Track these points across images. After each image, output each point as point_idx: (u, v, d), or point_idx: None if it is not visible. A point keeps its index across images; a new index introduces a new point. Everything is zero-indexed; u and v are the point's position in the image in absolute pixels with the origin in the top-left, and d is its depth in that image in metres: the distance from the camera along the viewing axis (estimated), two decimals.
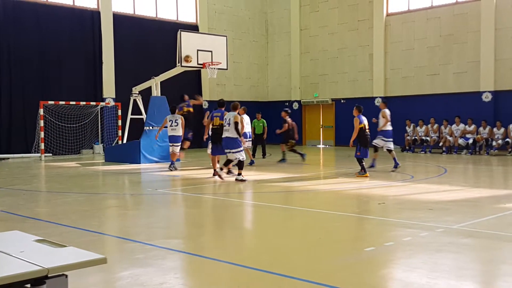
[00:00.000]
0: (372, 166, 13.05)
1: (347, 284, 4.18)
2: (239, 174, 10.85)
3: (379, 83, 22.56)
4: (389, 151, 13.03)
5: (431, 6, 21.22)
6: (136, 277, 4.36)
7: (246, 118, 14.85)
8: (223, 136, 10.87)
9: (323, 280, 4.26)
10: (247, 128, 14.88)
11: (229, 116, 10.87)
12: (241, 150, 10.86)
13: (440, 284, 4.13)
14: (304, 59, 25.40)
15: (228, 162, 11.11)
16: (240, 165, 10.86)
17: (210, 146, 12.34)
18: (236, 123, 10.73)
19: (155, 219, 7.23)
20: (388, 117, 13.09)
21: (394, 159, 12.85)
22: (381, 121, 13.16)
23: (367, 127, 11.78)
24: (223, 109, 11.83)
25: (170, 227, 6.93)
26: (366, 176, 11.42)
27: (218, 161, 11.91)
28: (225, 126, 10.87)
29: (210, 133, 12.08)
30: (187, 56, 14.27)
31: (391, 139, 13.08)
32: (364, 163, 11.67)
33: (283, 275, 4.39)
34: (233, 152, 10.81)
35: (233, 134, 10.73)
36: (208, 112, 14.27)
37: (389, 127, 13.08)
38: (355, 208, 8.11)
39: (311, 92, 25.16)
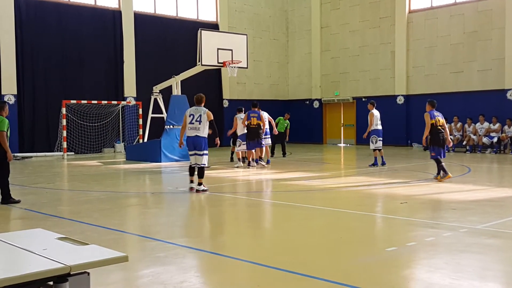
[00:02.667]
0: (382, 164, 13.66)
1: (369, 284, 4.14)
2: (200, 184, 9.24)
3: (401, 81, 22.28)
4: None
5: (454, 2, 20.85)
6: (157, 275, 4.39)
7: (265, 114, 14.79)
8: (190, 134, 9.22)
9: (344, 280, 4.22)
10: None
11: (200, 112, 9.22)
12: (207, 154, 9.29)
13: (464, 285, 4.06)
14: (324, 57, 25.24)
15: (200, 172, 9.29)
16: (201, 172, 9.21)
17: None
18: (211, 122, 9.20)
19: (176, 217, 7.27)
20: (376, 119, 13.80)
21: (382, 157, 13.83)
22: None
23: (439, 123, 10.79)
24: (256, 109, 13.84)
25: (191, 226, 6.97)
26: (449, 177, 10.39)
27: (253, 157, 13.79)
28: (193, 123, 9.17)
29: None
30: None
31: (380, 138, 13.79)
32: (443, 164, 10.49)
33: (304, 275, 4.37)
34: (199, 155, 9.16)
35: (204, 134, 9.19)
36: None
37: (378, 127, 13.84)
38: (377, 208, 8.02)
39: (332, 91, 24.99)
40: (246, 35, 16.74)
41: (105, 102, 19.68)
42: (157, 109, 18.28)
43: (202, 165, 9.19)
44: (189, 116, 9.24)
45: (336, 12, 24.60)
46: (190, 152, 9.31)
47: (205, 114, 9.18)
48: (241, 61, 15.48)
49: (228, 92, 24.34)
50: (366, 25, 23.45)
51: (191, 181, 9.36)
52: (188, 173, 9.55)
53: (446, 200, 8.24)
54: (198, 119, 9.14)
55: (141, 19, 21.49)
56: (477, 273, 4.38)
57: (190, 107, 9.64)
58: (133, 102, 20.57)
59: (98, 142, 19.98)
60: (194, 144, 9.16)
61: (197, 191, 9.20)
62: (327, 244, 5.66)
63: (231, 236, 6.30)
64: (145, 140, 18.09)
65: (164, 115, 17.49)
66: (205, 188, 9.29)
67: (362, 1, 23.53)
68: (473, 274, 4.36)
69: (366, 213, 7.38)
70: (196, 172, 9.27)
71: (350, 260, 4.92)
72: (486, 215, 6.94)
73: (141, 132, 19.36)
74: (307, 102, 25.81)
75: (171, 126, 15.93)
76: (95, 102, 19.23)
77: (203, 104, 9.38)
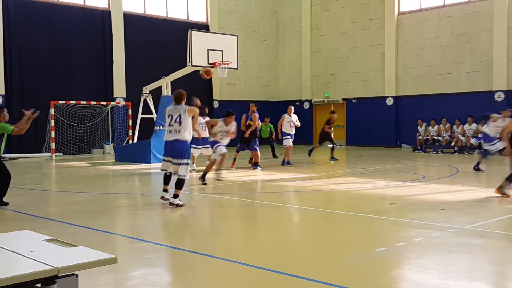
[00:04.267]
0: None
1: (358, 285, 4.15)
2: (176, 196, 7.78)
3: (391, 83, 22.42)
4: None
5: (443, 4, 21.02)
6: (146, 277, 4.37)
7: (294, 117, 14.76)
8: (169, 138, 7.84)
9: (333, 280, 4.23)
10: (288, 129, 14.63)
11: (179, 111, 7.78)
12: (187, 164, 7.84)
13: (452, 285, 4.09)
14: (315, 58, 25.31)
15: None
16: (180, 183, 7.81)
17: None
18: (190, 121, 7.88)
19: (166, 219, 7.23)
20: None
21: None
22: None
23: None
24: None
25: (181, 227, 6.95)
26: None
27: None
28: (172, 125, 7.76)
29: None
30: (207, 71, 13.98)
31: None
32: None
33: (294, 275, 4.37)
34: (176, 164, 7.78)
35: (185, 137, 7.80)
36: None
37: None
38: (366, 208, 8.05)
39: (322, 92, 25.07)
40: (237, 36, 16.73)
41: (94, 102, 19.55)
42: (147, 110, 18.20)
43: (182, 176, 7.81)
44: (168, 117, 7.87)
45: (327, 13, 24.69)
46: (165, 158, 7.97)
47: (185, 112, 7.74)
48: (231, 62, 15.46)
49: (218, 93, 24.31)
50: (356, 26, 23.56)
51: (165, 190, 8.03)
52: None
53: (435, 200, 8.30)
54: (178, 120, 7.71)
55: (130, 19, 21.39)
56: (465, 273, 4.42)
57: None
58: (123, 102, 20.47)
59: (87, 143, 19.84)
60: (172, 150, 7.81)
61: (171, 203, 7.75)
62: (317, 245, 5.68)
63: (222, 237, 6.28)
64: (135, 141, 18.00)
65: (154, 116, 17.43)
66: (181, 203, 7.78)
67: (352, 3, 23.64)
68: (461, 274, 4.39)
69: (355, 214, 7.40)
70: (174, 182, 7.92)
71: (340, 261, 4.93)
72: (474, 216, 7.00)
73: (130, 133, 19.27)
74: (298, 103, 25.85)
75: (161, 127, 15.87)
76: (84, 102, 19.10)
77: (183, 102, 7.96)
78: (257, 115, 13.94)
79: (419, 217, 6.95)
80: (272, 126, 17.46)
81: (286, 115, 14.74)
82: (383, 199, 8.63)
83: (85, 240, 5.52)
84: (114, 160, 16.87)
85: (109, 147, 20.15)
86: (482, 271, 4.62)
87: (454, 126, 19.40)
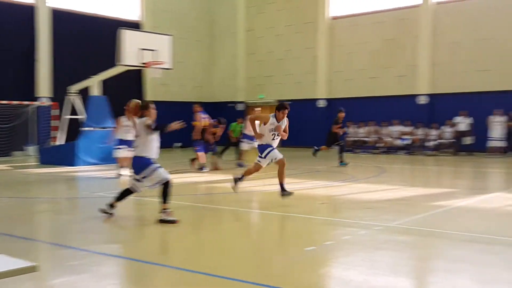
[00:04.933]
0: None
1: (288, 284, 4.19)
2: (164, 210, 6.64)
3: (323, 85, 23.00)
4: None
5: (375, 10, 21.82)
6: (70, 285, 4.18)
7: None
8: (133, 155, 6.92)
9: (263, 280, 4.25)
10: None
11: (140, 124, 6.75)
12: (159, 167, 6.69)
13: (378, 280, 4.22)
14: (250, 60, 25.47)
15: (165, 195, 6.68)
16: (165, 192, 6.65)
17: None
18: (153, 128, 6.66)
19: (91, 223, 6.93)
20: None
21: None
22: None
23: None
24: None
25: (107, 232, 6.70)
26: None
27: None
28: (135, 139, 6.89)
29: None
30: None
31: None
32: None
33: (224, 277, 4.35)
34: (149, 174, 6.67)
35: (143, 152, 6.74)
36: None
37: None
38: (297, 208, 8.17)
39: (257, 93, 25.25)
40: (171, 35, 16.41)
41: (16, 102, 18.49)
42: (74, 111, 17.49)
43: (163, 181, 6.64)
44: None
45: (262, 15, 24.93)
46: (135, 176, 6.87)
47: (139, 124, 6.73)
48: (165, 62, 15.18)
49: (151, 94, 23.80)
50: (290, 29, 23.96)
51: (112, 205, 6.99)
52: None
53: (362, 199, 8.58)
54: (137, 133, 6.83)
55: (58, 16, 20.48)
56: (391, 269, 4.58)
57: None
58: (47, 102, 19.52)
59: (7, 144, 18.66)
60: (135, 167, 6.82)
61: (162, 221, 6.56)
62: (248, 246, 5.68)
63: (151, 241, 6.13)
64: (62, 142, 17.21)
65: (82, 116, 16.76)
66: (172, 219, 6.56)
67: (287, 7, 24.01)
68: (388, 270, 4.55)
69: (285, 214, 7.49)
70: (160, 194, 6.71)
71: (270, 261, 4.96)
72: (399, 213, 7.31)
73: (55, 134, 18.39)
74: (232, 105, 25.88)
75: (90, 128, 15.30)
76: (5, 102, 18.02)
77: (141, 114, 6.83)
78: (201, 115, 13.57)
79: (347, 216, 7.15)
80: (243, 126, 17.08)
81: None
82: (314, 199, 8.82)
83: (5, 248, 5.19)
84: (38, 163, 16.04)
85: (32, 149, 19.12)
86: (407, 267, 4.82)
87: (381, 128, 20.24)
